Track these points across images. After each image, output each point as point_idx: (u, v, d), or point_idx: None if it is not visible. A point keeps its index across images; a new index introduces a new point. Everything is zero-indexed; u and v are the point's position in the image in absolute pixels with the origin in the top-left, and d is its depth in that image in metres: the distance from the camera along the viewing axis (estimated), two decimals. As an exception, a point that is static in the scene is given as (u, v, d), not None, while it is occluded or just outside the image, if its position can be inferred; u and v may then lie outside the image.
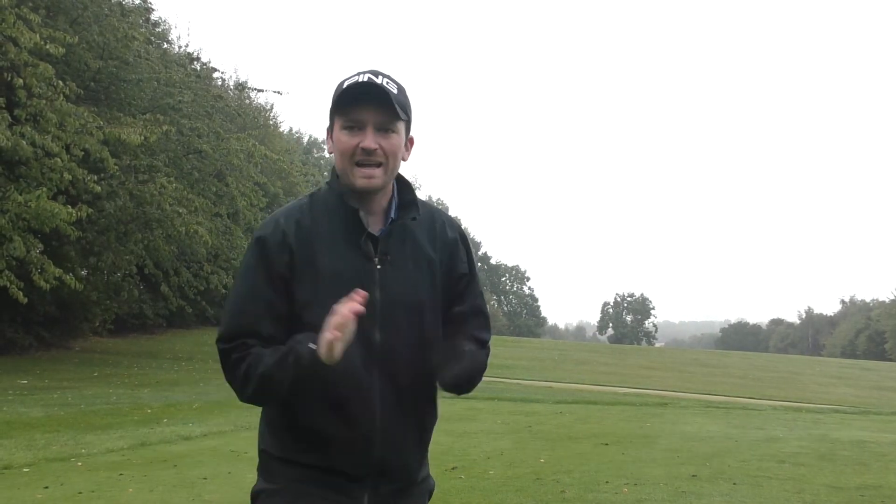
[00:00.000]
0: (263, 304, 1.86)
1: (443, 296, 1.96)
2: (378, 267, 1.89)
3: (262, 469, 1.95)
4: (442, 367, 1.87)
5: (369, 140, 1.85)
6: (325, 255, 1.87)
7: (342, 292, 1.79)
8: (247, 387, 1.84)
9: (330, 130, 1.95)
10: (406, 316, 1.89)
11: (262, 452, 1.96)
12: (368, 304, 1.78)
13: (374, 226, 1.92)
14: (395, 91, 1.88)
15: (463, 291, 2.01)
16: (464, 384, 1.88)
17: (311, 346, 1.77)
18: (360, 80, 1.87)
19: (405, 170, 2.02)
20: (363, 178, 1.87)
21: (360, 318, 1.78)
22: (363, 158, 1.86)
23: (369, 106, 1.86)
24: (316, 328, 1.80)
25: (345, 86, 1.88)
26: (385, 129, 1.87)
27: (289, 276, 1.86)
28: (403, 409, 1.90)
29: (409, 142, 1.97)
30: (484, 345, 1.98)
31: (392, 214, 1.94)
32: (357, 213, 1.89)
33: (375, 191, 1.90)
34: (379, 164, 1.87)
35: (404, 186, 1.99)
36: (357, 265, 1.88)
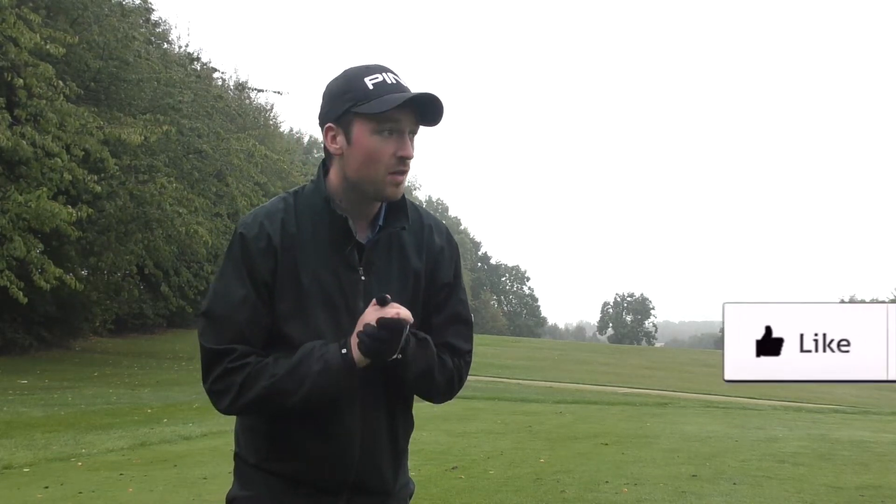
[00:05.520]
0: (251, 310, 1.75)
1: (423, 307, 1.86)
2: (362, 277, 1.79)
3: (238, 474, 1.89)
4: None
5: (409, 148, 1.75)
6: (309, 265, 1.76)
7: (326, 303, 1.75)
8: (243, 396, 1.72)
9: (343, 129, 1.76)
10: None
11: (237, 456, 1.90)
12: (352, 315, 1.74)
13: (361, 232, 1.82)
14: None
15: (443, 301, 1.89)
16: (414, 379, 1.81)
17: (343, 350, 1.69)
18: (389, 81, 1.74)
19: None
20: (394, 185, 1.76)
21: (343, 331, 1.74)
22: (399, 168, 1.75)
23: (407, 111, 1.73)
24: (296, 341, 1.73)
25: (371, 87, 1.73)
26: (413, 133, 1.78)
27: (271, 283, 1.75)
28: (381, 423, 1.84)
29: None
30: (460, 353, 1.89)
31: (380, 220, 1.83)
32: (346, 221, 1.78)
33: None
34: (406, 171, 1.78)
35: None
36: (341, 275, 1.78)
